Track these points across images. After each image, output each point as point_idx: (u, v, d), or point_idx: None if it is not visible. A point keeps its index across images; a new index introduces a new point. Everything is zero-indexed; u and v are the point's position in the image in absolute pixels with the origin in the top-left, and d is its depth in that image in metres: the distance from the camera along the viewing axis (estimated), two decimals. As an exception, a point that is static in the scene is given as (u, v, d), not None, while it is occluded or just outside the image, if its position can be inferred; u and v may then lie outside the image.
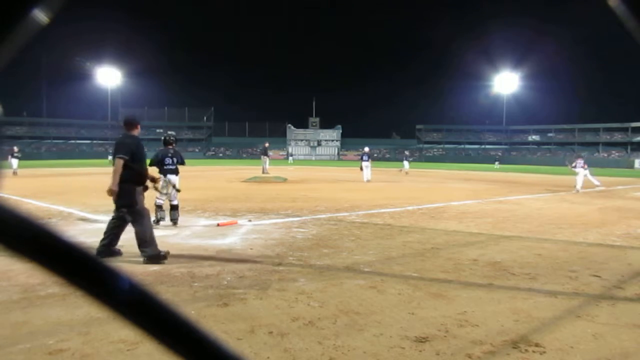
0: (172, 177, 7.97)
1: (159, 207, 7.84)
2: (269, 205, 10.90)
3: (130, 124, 5.80)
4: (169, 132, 9.40)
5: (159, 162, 7.95)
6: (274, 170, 27.75)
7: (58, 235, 0.29)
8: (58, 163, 40.03)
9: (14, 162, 22.20)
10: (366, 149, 22.09)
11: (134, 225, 5.43)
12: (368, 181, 20.25)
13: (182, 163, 8.30)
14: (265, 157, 25.54)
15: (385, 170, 33.03)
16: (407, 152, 36.04)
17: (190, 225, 7.98)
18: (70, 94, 77.06)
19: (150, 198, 7.91)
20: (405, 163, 30.12)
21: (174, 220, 7.84)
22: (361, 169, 21.02)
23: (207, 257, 5.63)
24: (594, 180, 19.27)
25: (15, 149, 23.38)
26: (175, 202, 7.92)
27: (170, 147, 8.20)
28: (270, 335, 3.28)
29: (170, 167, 7.99)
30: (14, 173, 21.48)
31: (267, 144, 26.90)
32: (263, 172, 23.82)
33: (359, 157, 21.94)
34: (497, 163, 49.05)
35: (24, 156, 22.81)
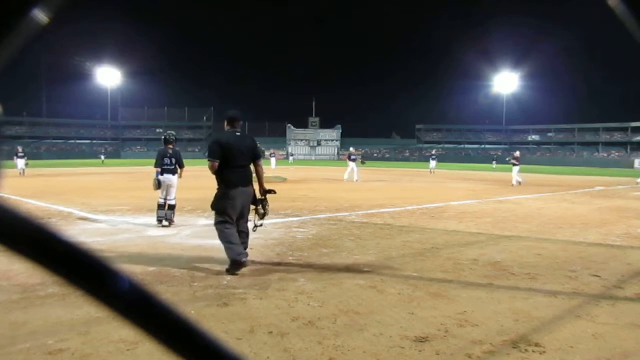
0: (169, 177, 7.91)
1: (160, 207, 7.83)
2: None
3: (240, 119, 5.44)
4: (169, 132, 9.32)
5: (158, 162, 7.95)
6: (274, 170, 27.72)
7: (58, 235, 0.29)
8: (58, 163, 40.06)
9: (20, 162, 21.82)
10: (352, 150, 22.20)
11: (245, 225, 5.28)
12: (348, 181, 20.20)
13: (180, 165, 8.12)
14: None
15: (407, 171, 33.01)
16: (433, 152, 35.70)
17: (190, 225, 7.98)
18: (70, 94, 77.22)
19: (152, 200, 7.92)
20: (432, 162, 30.16)
21: (169, 220, 7.81)
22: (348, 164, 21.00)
23: (207, 257, 5.63)
24: (518, 178, 19.22)
25: (20, 149, 23.12)
26: (172, 202, 7.90)
27: (170, 146, 8.14)
28: (270, 335, 3.28)
29: (169, 167, 7.94)
30: (21, 173, 21.18)
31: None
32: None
33: (348, 158, 21.72)
34: (494, 163, 48.81)
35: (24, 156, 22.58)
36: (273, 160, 33.26)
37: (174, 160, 8.00)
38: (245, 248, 5.19)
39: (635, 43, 0.39)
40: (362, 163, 21.65)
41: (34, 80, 75.77)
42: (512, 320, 3.66)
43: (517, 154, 20.18)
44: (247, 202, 5.20)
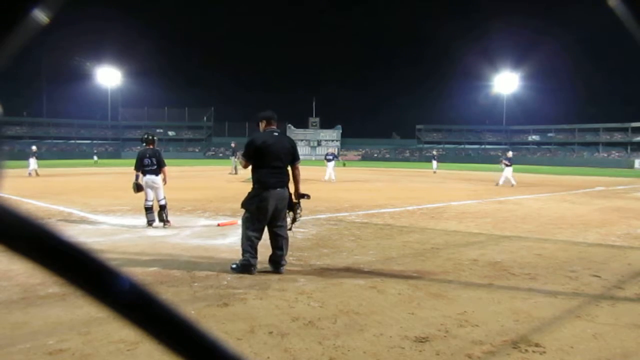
0: (152, 178, 7.78)
1: (148, 210, 7.76)
2: (269, 205, 10.90)
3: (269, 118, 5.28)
4: (147, 132, 9.11)
5: (137, 164, 7.86)
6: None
7: (58, 235, 0.29)
8: (58, 163, 40.05)
9: (32, 162, 21.66)
10: (330, 149, 22.17)
11: (285, 230, 5.15)
12: (328, 181, 19.96)
13: (160, 164, 7.86)
14: (234, 157, 24.58)
15: (413, 171, 32.98)
16: (435, 152, 35.66)
17: (190, 225, 7.98)
18: (70, 94, 77.09)
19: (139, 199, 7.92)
20: (434, 163, 30.28)
21: (164, 221, 7.72)
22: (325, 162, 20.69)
23: (207, 257, 5.63)
24: (512, 180, 19.08)
25: (34, 148, 22.82)
26: (162, 202, 7.80)
27: (150, 146, 7.97)
28: (270, 335, 3.28)
29: (150, 167, 7.78)
30: (30, 174, 21.04)
31: (233, 144, 26.32)
32: (230, 173, 23.56)
33: (327, 157, 21.18)
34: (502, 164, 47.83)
35: (23, 156, 22.27)
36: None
37: (154, 160, 7.79)
38: (284, 255, 5.07)
39: (635, 43, 0.39)
40: (343, 164, 21.30)
41: (34, 80, 75.77)
42: (512, 320, 3.66)
43: (510, 154, 20.04)
44: (282, 205, 5.07)
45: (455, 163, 59.64)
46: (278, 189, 4.99)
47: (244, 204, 5.07)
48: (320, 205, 11.10)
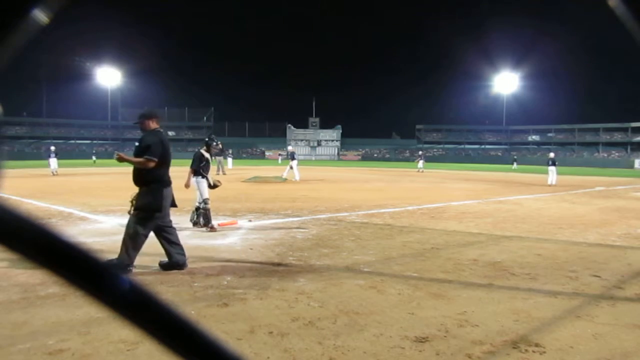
0: (194, 179, 7.75)
1: (196, 210, 7.66)
2: (269, 205, 10.91)
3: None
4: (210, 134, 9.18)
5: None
6: (274, 170, 27.69)
7: (58, 235, 0.29)
8: (58, 163, 40.00)
9: (53, 162, 22.50)
10: (289, 148, 22.31)
11: (174, 230, 5.25)
12: (288, 178, 19.93)
13: (191, 166, 7.83)
14: (221, 157, 24.07)
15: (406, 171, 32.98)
16: (420, 153, 37.52)
17: (191, 225, 7.97)
18: (70, 94, 77.05)
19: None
20: (420, 162, 32.31)
21: (196, 223, 7.59)
22: (291, 167, 20.61)
23: (207, 257, 5.63)
24: (554, 180, 20.31)
25: (53, 148, 23.21)
26: (195, 204, 7.71)
27: (202, 149, 8.01)
28: (270, 335, 3.28)
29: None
30: (54, 173, 22.02)
31: (219, 144, 25.96)
32: (217, 174, 22.48)
33: (290, 156, 21.10)
34: (515, 164, 46.63)
35: (22, 156, 22.52)
36: (230, 160, 32.88)
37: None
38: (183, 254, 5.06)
39: (635, 43, 0.39)
40: (291, 168, 20.95)
41: (34, 80, 75.65)
42: (512, 320, 3.66)
43: (552, 154, 21.56)
44: (171, 203, 5.19)
45: (455, 163, 59.62)
46: (170, 187, 5.11)
47: (151, 205, 4.90)
48: (320, 205, 11.10)
